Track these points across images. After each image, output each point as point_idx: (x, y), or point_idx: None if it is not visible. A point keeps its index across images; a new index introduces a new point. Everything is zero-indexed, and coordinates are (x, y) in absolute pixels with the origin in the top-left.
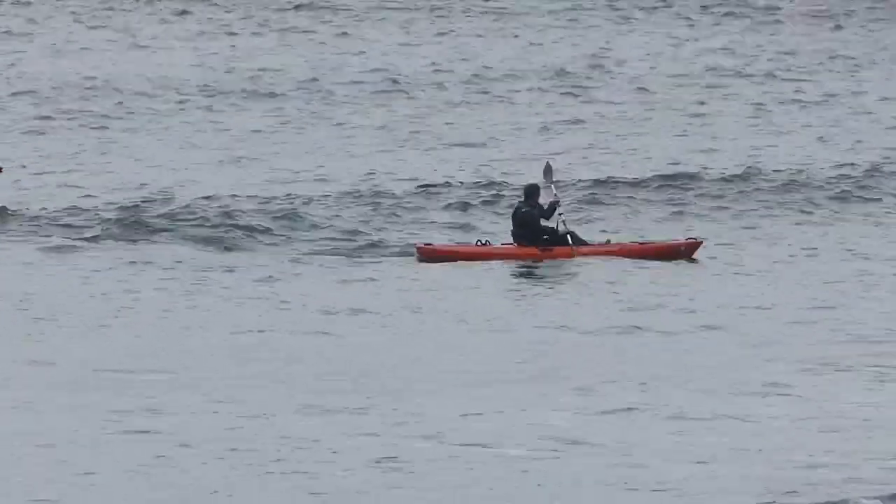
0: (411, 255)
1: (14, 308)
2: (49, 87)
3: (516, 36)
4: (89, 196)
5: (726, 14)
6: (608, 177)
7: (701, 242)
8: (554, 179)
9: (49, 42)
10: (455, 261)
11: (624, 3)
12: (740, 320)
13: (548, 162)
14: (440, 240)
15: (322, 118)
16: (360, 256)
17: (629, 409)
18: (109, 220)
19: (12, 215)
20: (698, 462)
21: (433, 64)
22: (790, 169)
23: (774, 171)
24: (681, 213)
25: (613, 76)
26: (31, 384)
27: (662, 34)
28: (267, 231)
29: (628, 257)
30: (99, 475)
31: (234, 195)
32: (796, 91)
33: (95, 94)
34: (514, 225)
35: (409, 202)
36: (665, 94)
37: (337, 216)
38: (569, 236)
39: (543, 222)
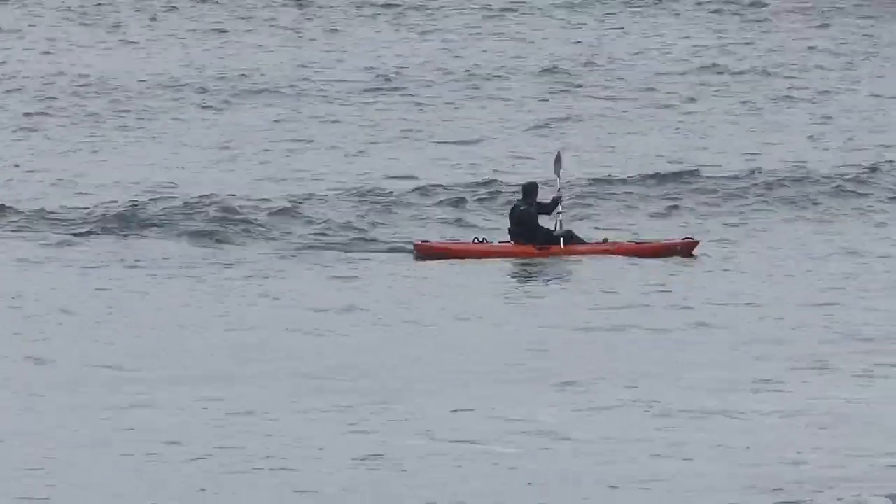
0: (408, 252)
1: (8, 306)
2: (40, 85)
3: (509, 34)
4: (82, 194)
5: (715, 11)
6: (604, 175)
7: (697, 242)
8: (562, 169)
9: (39, 40)
10: (452, 258)
11: (615, 0)
12: (733, 318)
13: (559, 152)
14: (438, 237)
15: (315, 116)
16: (357, 254)
17: (619, 406)
18: (104, 217)
19: (4, 213)
20: (688, 459)
21: (425, 61)
22: (784, 167)
23: (769, 169)
24: (677, 211)
25: (605, 74)
26: (26, 382)
27: (653, 31)
28: (263, 229)
29: (625, 256)
30: (93, 473)
31: (229, 193)
32: (788, 88)
33: (87, 92)
34: (511, 223)
35: (405, 199)
36: (657, 92)
37: (333, 214)
38: (562, 239)
39: (542, 219)
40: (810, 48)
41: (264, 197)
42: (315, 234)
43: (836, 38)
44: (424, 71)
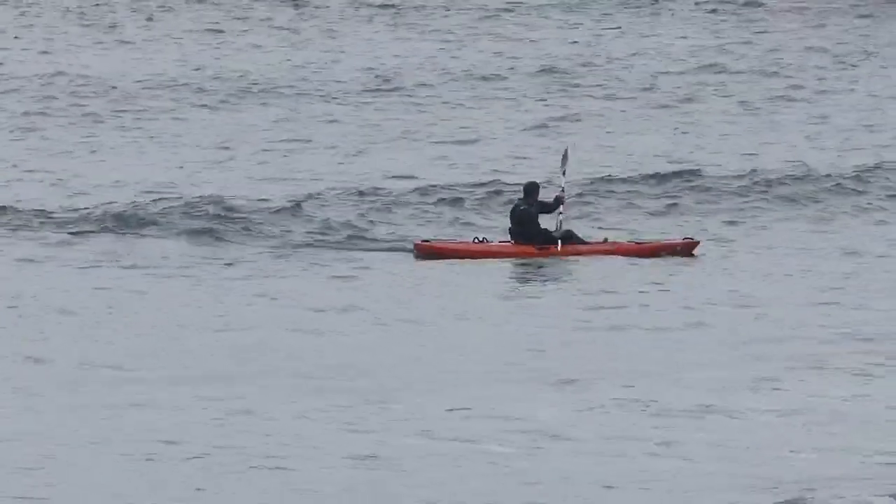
0: (408, 251)
1: (6, 305)
2: (38, 85)
3: (506, 35)
4: (80, 194)
5: (712, 11)
6: (604, 175)
7: (698, 242)
8: (569, 166)
9: (37, 40)
10: (452, 258)
11: (612, 0)
12: (733, 318)
13: (567, 148)
14: (437, 237)
15: (313, 116)
16: (357, 253)
17: (618, 405)
18: (103, 217)
19: (2, 213)
20: (687, 458)
21: (423, 61)
22: (783, 166)
23: (768, 168)
24: (677, 211)
25: (603, 74)
26: (25, 382)
27: (650, 31)
28: (262, 228)
29: (625, 256)
30: (92, 472)
31: (228, 193)
32: (786, 87)
33: (84, 92)
34: (511, 223)
35: (405, 199)
36: (656, 92)
37: (332, 213)
38: (559, 241)
39: (543, 218)
40: (808, 48)
41: (263, 197)
42: (314, 233)
43: (834, 37)
44: (422, 71)
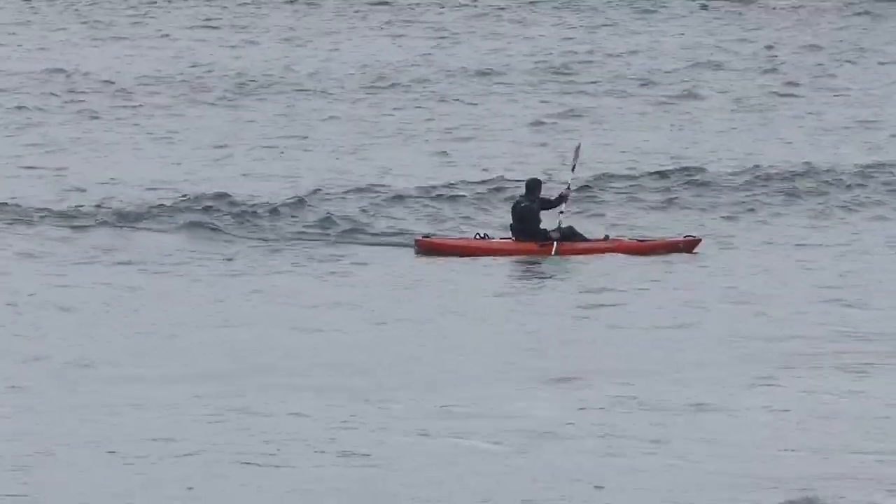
0: (409, 247)
1: (2, 302)
2: (33, 81)
3: (504, 31)
4: (76, 191)
5: (705, 7)
6: (605, 172)
7: (699, 240)
8: (579, 163)
9: (33, 36)
10: (453, 254)
11: None
12: (731, 315)
13: (579, 144)
14: (439, 233)
15: (311, 113)
16: (357, 249)
17: (615, 404)
18: (100, 213)
19: None
20: (683, 457)
21: (419, 58)
22: (783, 163)
23: (767, 165)
24: (679, 209)
25: (601, 70)
26: (20, 379)
27: (648, 28)
28: (260, 225)
29: (626, 254)
30: (86, 470)
31: (226, 190)
32: (784, 84)
33: (81, 88)
34: (513, 219)
35: (405, 195)
36: (652, 88)
37: (332, 209)
38: (555, 244)
39: (544, 215)
40: (804, 44)
41: (263, 193)
42: (314, 230)
43: (830, 34)
44: (419, 67)
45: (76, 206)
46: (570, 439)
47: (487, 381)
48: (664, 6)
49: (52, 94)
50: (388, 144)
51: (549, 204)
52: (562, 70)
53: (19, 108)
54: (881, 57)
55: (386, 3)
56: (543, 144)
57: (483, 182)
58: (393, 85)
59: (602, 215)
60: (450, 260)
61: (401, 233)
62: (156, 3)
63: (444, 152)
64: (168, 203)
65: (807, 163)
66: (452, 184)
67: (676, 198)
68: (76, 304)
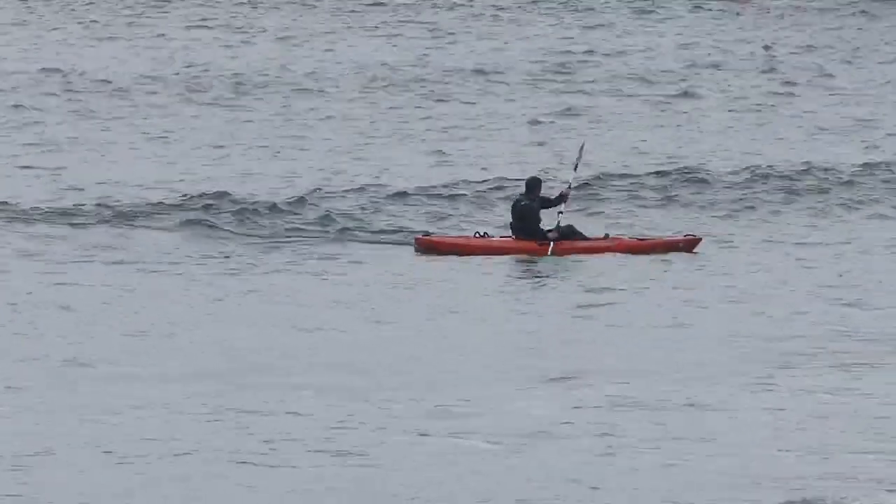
0: (409, 245)
1: None
2: (30, 81)
3: (501, 30)
4: (72, 190)
5: (707, 7)
6: (603, 172)
7: (700, 239)
8: (581, 163)
9: (27, 35)
10: (453, 253)
11: None
12: (730, 315)
13: (583, 143)
14: (438, 231)
15: (308, 112)
16: (356, 248)
17: (612, 403)
18: (96, 213)
19: None
20: (679, 456)
21: (416, 58)
22: (782, 162)
23: (766, 164)
24: (676, 208)
25: (599, 70)
26: (16, 378)
27: (643, 28)
28: (258, 224)
29: (626, 253)
30: (80, 470)
31: (223, 189)
32: (782, 83)
33: (76, 88)
34: (513, 218)
35: (404, 194)
36: (650, 88)
37: (330, 208)
38: (551, 245)
39: (543, 213)
40: (802, 43)
41: (261, 192)
42: (312, 228)
43: (829, 33)
44: (416, 67)
45: (73, 206)
46: (567, 439)
47: (485, 380)
48: (662, 6)
49: (49, 93)
50: (385, 143)
51: (550, 203)
52: (559, 69)
53: (16, 106)
54: (878, 56)
55: (382, 4)
56: (541, 143)
57: (482, 181)
58: (390, 84)
59: (602, 214)
60: (449, 258)
61: (400, 231)
62: (152, 2)
63: (442, 151)
64: (166, 202)
65: (805, 162)
66: (451, 182)
67: (675, 197)
68: (73, 304)
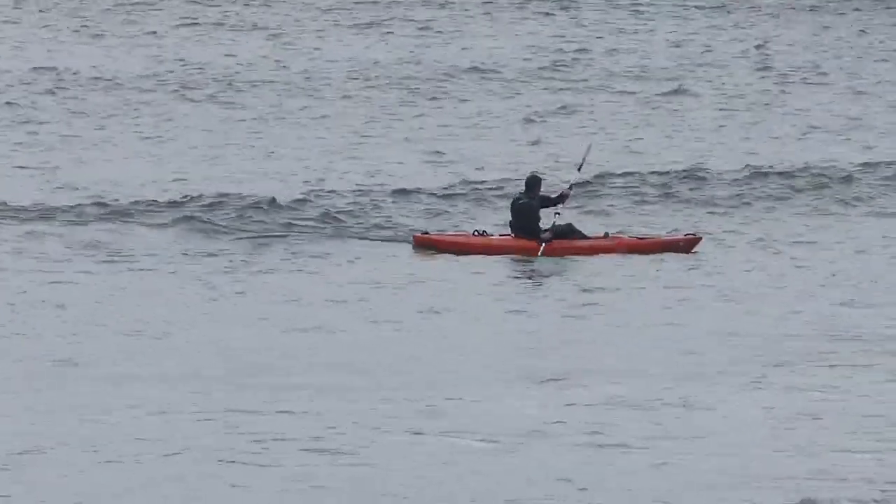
0: (408, 243)
1: None
2: (21, 80)
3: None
4: (65, 188)
5: (700, 6)
6: (605, 171)
7: (700, 238)
8: (586, 162)
9: (18, 35)
10: (451, 251)
11: None
12: (727, 315)
13: (590, 144)
14: (436, 230)
15: (301, 111)
16: (354, 246)
17: (607, 403)
18: (88, 212)
19: None
20: (673, 456)
21: (407, 56)
22: (780, 161)
23: (764, 163)
24: (674, 207)
25: (595, 69)
26: (13, 378)
27: (637, 26)
28: (255, 222)
29: (626, 252)
30: (75, 471)
31: (218, 188)
32: (778, 82)
33: (67, 87)
34: (512, 216)
35: (402, 192)
36: (646, 86)
37: (329, 206)
38: (543, 244)
39: (544, 213)
40: (798, 41)
41: (257, 190)
42: (309, 226)
43: (824, 31)
44: (412, 65)
45: (67, 204)
46: (562, 438)
47: (481, 379)
48: (654, 4)
49: (42, 92)
50: (380, 142)
51: (550, 202)
52: (553, 67)
53: (9, 104)
54: (871, 54)
55: (375, 1)
56: (536, 142)
57: (479, 179)
58: (384, 82)
59: (598, 212)
60: (447, 258)
61: (397, 229)
62: (143, 0)
63: (438, 150)
64: (160, 200)
65: (799, 160)
66: (448, 181)
67: (671, 195)
68: (67, 302)
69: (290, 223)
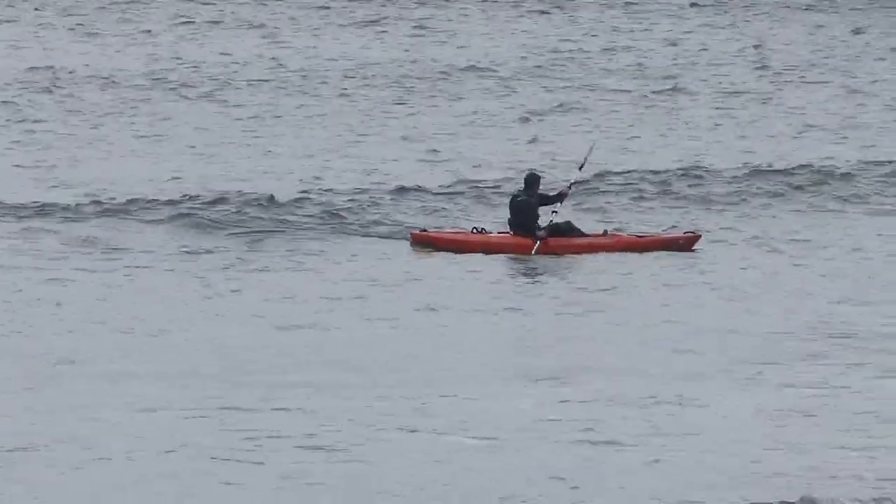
0: (405, 240)
1: None
2: (15, 79)
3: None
4: (60, 187)
5: (694, 4)
6: (602, 169)
7: (699, 236)
8: (587, 161)
9: (11, 33)
10: (450, 249)
11: None
12: (725, 312)
13: (593, 144)
14: (435, 227)
15: (300, 109)
16: (352, 244)
17: (601, 402)
18: (83, 210)
19: None
20: (667, 454)
21: (402, 54)
22: (777, 160)
23: (761, 162)
24: (672, 205)
25: (589, 67)
26: (5, 376)
27: (637, 23)
28: (252, 219)
29: (626, 250)
30: (71, 471)
31: (215, 186)
32: (774, 81)
33: (62, 85)
34: (511, 213)
35: (400, 190)
36: (643, 85)
37: (326, 204)
38: (538, 242)
39: (542, 210)
40: (795, 40)
41: (253, 188)
42: (307, 224)
43: (821, 28)
44: (407, 64)
45: (63, 202)
46: (556, 436)
47: (476, 377)
48: (652, 2)
49: (37, 90)
50: (378, 140)
51: (549, 200)
52: (550, 66)
53: (5, 102)
54: (868, 53)
55: (367, 1)
56: (533, 140)
57: (477, 177)
58: (380, 81)
59: (598, 210)
60: (445, 256)
61: (396, 226)
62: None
63: (435, 148)
64: (156, 198)
65: (796, 158)
66: (446, 178)
67: (669, 194)
68: (62, 300)
69: (286, 221)
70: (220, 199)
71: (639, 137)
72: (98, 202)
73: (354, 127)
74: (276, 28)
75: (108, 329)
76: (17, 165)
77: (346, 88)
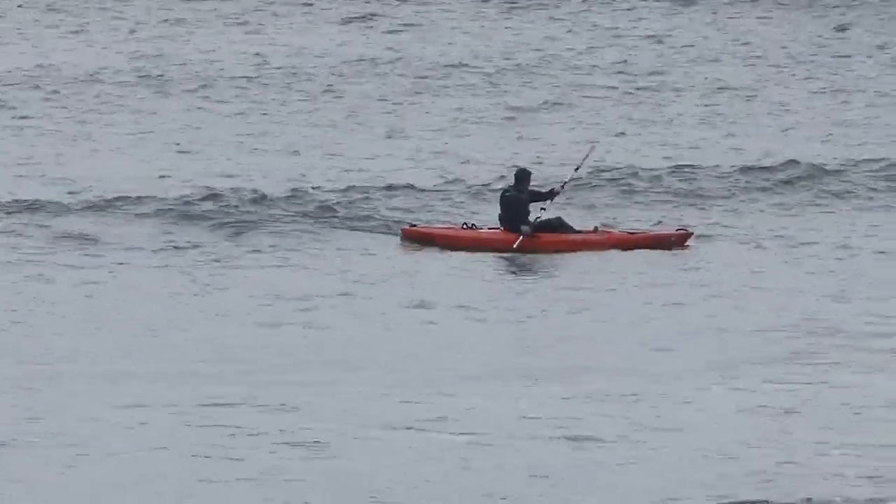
0: (396, 235)
1: None
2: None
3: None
4: (51, 185)
5: (686, 3)
6: (592, 166)
7: (691, 233)
8: (585, 161)
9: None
10: (440, 244)
11: None
12: (719, 311)
13: (594, 145)
14: (425, 222)
15: (287, 105)
16: (343, 240)
17: (594, 400)
18: (71, 207)
19: None
20: (654, 452)
21: (388, 52)
22: (766, 157)
23: (750, 159)
24: (664, 202)
25: (577, 65)
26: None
27: (624, 20)
28: (242, 216)
29: (617, 247)
30: (68, 471)
31: (205, 184)
32: (761, 78)
33: (47, 83)
34: (501, 209)
35: (390, 185)
36: (630, 82)
37: (316, 200)
38: (521, 238)
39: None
40: (781, 38)
41: (243, 185)
42: (297, 220)
43: (811, 25)
44: (396, 61)
45: (49, 199)
46: (546, 435)
47: (466, 375)
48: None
49: (23, 87)
50: (366, 137)
51: (540, 196)
52: (537, 63)
53: None
54: (856, 50)
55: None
56: (520, 137)
57: (466, 174)
58: (367, 78)
59: (588, 207)
60: (436, 251)
61: (386, 221)
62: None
63: (423, 146)
64: (144, 195)
65: (786, 155)
66: (435, 175)
67: (657, 191)
68: (48, 297)
69: (275, 217)
70: (209, 196)
71: (625, 134)
72: (85, 199)
73: (341, 124)
74: (260, 25)
75: (96, 326)
76: (2, 163)
77: (331, 85)
